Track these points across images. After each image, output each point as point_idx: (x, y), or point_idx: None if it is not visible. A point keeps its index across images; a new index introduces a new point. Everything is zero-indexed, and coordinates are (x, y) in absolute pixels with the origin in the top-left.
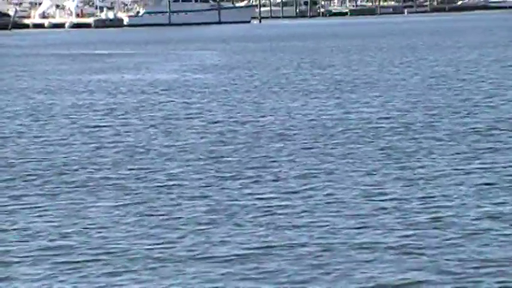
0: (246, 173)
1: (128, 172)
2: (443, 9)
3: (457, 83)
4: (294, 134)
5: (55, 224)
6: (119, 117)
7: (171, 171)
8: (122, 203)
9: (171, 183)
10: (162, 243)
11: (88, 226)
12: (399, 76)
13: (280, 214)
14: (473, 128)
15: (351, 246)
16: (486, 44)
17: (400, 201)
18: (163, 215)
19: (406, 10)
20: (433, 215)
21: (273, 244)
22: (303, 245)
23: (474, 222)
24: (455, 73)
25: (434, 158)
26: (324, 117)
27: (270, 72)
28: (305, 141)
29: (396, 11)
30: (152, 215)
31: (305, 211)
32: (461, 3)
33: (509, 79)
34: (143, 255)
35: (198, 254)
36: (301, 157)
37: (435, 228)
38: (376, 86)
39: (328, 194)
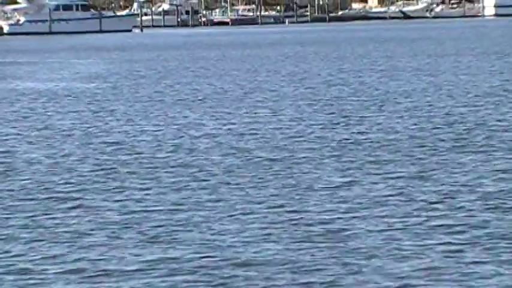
0: (131, 184)
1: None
2: (323, 19)
3: (347, 94)
4: (172, 146)
5: None
6: None
7: (58, 182)
8: None
9: (51, 195)
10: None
11: None
12: (286, 87)
13: (155, 227)
14: (361, 140)
15: (234, 262)
16: (369, 53)
17: (284, 213)
18: (45, 226)
19: (287, 20)
20: (315, 228)
21: (148, 259)
22: (187, 261)
23: (349, 235)
24: (345, 83)
25: (321, 170)
26: (210, 128)
27: (153, 82)
28: (192, 154)
29: (277, 20)
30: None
31: (186, 225)
32: (342, 14)
33: (398, 87)
34: None
35: (63, 268)
36: (181, 169)
37: (316, 241)
38: (263, 96)
39: (209, 208)
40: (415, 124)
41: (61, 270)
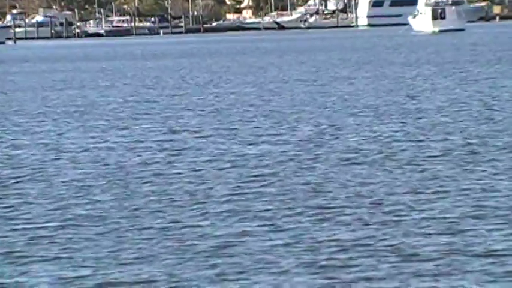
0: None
1: None
2: (198, 30)
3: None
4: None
5: None
6: None
7: None
8: None
9: None
10: None
11: None
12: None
13: (60, 243)
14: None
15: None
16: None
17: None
18: None
19: (162, 31)
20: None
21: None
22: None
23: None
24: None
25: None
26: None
27: (30, 94)
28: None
29: (152, 31)
30: None
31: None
32: (216, 24)
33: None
34: None
35: None
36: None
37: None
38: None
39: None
40: None
41: None
